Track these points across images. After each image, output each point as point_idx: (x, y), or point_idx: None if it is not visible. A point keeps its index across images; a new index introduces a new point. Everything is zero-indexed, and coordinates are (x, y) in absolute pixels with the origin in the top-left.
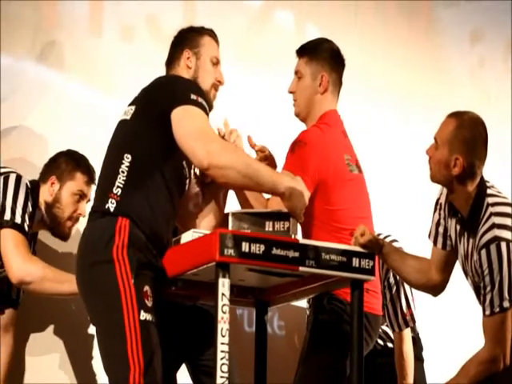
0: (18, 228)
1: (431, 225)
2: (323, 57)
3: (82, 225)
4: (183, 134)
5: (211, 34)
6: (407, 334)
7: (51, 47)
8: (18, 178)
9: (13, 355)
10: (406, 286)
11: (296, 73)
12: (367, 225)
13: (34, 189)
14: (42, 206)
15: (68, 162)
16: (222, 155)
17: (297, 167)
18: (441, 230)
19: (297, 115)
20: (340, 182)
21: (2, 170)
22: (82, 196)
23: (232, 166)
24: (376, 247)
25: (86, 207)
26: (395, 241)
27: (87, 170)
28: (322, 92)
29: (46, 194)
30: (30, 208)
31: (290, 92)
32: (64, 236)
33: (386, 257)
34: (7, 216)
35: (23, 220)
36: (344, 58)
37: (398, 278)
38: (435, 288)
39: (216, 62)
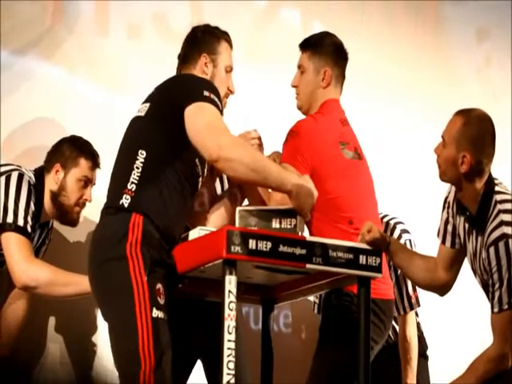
0: (21, 231)
1: (440, 223)
2: (326, 51)
3: (87, 218)
4: (195, 128)
5: (228, 39)
6: (411, 317)
7: (57, 46)
8: (20, 177)
9: (25, 321)
10: None
11: (299, 67)
12: (368, 214)
13: (38, 181)
14: (48, 196)
15: (72, 149)
16: (232, 148)
17: (290, 156)
18: (449, 228)
19: (299, 108)
20: (334, 170)
21: (4, 169)
22: (87, 181)
23: (240, 160)
24: (383, 244)
25: (92, 192)
26: (407, 231)
27: (91, 155)
28: (325, 86)
29: (51, 182)
30: (32, 208)
31: (293, 86)
32: (73, 222)
33: (392, 255)
34: (9, 218)
35: (26, 221)
36: (347, 52)
37: None
38: (442, 287)
39: (229, 71)
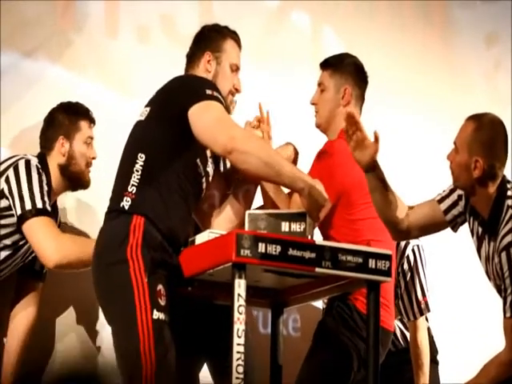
0: (42, 212)
1: (449, 194)
2: (348, 71)
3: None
4: (203, 126)
5: (235, 37)
6: (422, 322)
7: (66, 47)
8: (27, 163)
9: (33, 328)
10: (421, 273)
11: (319, 85)
12: (385, 237)
13: (43, 164)
14: (57, 172)
15: (69, 117)
16: (246, 141)
17: (322, 178)
18: (457, 207)
19: (318, 126)
20: (360, 195)
21: (10, 161)
22: (90, 141)
23: (255, 153)
24: (370, 164)
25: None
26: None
27: (86, 114)
28: (345, 105)
29: (57, 158)
30: (45, 187)
31: (312, 104)
32: (86, 185)
33: (375, 178)
34: (28, 205)
35: (44, 202)
36: (367, 75)
37: (412, 264)
38: (400, 234)
39: (235, 69)
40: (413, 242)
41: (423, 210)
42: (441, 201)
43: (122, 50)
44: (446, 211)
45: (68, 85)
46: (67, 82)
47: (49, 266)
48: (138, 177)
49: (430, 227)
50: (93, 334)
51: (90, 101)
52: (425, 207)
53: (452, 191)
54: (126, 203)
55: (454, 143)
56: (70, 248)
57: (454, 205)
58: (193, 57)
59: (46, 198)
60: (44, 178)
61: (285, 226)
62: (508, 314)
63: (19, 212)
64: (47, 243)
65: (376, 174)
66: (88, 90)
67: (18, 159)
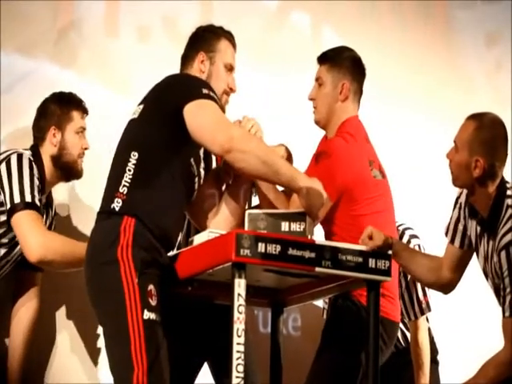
0: (31, 206)
1: (449, 222)
2: (345, 65)
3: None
4: (200, 125)
5: (229, 37)
6: (423, 322)
7: (66, 47)
8: (19, 157)
9: (36, 320)
10: None
11: (317, 80)
12: (388, 232)
13: (36, 156)
14: (49, 163)
15: (60, 107)
16: (244, 140)
17: (322, 179)
18: (460, 227)
19: (317, 122)
20: (364, 191)
21: (2, 156)
22: (83, 131)
23: (253, 152)
24: (385, 247)
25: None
26: (415, 236)
27: (79, 104)
28: (343, 100)
29: (49, 148)
30: (36, 181)
31: (310, 99)
32: (78, 175)
33: (395, 255)
34: (17, 199)
35: (33, 196)
36: (365, 68)
37: None
38: (446, 286)
39: (230, 69)
40: (414, 241)
41: (448, 256)
42: (452, 240)
43: (123, 49)
44: (461, 244)
45: (68, 84)
46: (67, 82)
47: (31, 259)
48: (130, 176)
49: (462, 264)
50: (93, 327)
51: (89, 100)
52: (447, 253)
53: (454, 206)
54: (116, 204)
55: (454, 142)
56: (56, 246)
57: (456, 224)
58: (187, 57)
59: (35, 193)
60: (36, 171)
61: (284, 226)
62: (507, 314)
63: (8, 205)
64: (32, 237)
65: (394, 253)
66: (88, 90)
67: (11, 154)
